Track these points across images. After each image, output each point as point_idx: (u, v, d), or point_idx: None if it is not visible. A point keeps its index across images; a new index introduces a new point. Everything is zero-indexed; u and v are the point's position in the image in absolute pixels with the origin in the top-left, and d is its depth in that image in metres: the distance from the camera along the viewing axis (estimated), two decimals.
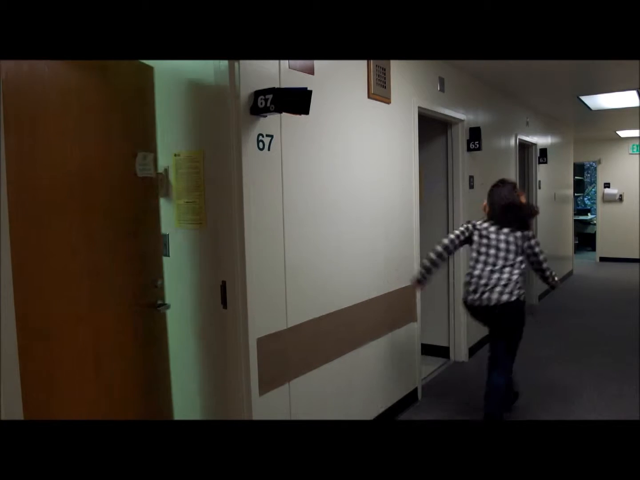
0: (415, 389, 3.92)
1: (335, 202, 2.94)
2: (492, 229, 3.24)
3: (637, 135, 10.03)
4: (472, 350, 4.98)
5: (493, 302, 3.14)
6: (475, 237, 3.29)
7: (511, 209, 3.20)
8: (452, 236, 3.37)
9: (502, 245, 3.18)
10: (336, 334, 2.97)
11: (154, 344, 2.28)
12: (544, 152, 7.18)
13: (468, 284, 3.27)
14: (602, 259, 10.96)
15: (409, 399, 3.82)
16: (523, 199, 3.33)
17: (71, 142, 1.88)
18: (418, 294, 3.88)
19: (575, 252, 10.07)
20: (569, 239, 9.37)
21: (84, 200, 1.93)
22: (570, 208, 9.44)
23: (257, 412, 2.40)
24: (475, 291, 3.20)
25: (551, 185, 7.96)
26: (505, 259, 3.17)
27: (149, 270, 2.28)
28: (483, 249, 3.23)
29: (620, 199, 10.79)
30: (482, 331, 5.23)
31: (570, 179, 9.46)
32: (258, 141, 2.39)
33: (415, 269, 3.83)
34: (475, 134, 4.76)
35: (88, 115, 1.95)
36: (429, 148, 4.80)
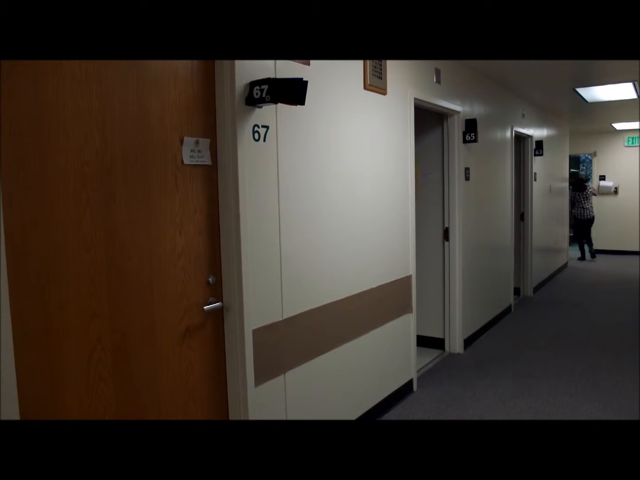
0: (411, 380, 3.94)
1: (330, 193, 2.94)
2: (579, 192, 10.06)
3: (633, 127, 10.05)
4: (467, 342, 5.00)
5: (588, 217, 10.03)
6: (576, 197, 10.11)
7: (579, 185, 10.11)
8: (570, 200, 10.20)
9: (585, 196, 10.02)
10: (332, 325, 2.98)
11: (199, 344, 2.27)
12: (539, 144, 7.19)
13: (578, 212, 10.06)
14: (597, 252, 11.00)
15: (405, 390, 3.84)
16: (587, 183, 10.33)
17: (90, 125, 1.86)
18: (413, 285, 3.89)
19: (570, 245, 10.11)
20: (564, 231, 9.41)
21: (104, 190, 1.90)
22: (565, 200, 9.47)
23: (253, 403, 2.40)
24: (582, 214, 9.99)
25: (547, 177, 7.98)
26: (587, 201, 10.04)
27: (199, 266, 2.28)
28: (581, 200, 10.02)
29: (616, 191, 10.82)
30: (477, 323, 5.26)
31: (565, 172, 9.48)
32: (254, 132, 2.39)
33: (411, 260, 3.86)
34: (471, 126, 4.76)
35: (112, 95, 1.93)
36: (424, 140, 4.79)
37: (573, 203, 10.14)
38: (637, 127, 10.11)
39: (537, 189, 7.42)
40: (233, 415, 2.42)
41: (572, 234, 10.49)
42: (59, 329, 1.77)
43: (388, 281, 3.56)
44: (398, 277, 3.70)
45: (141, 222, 2.04)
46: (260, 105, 2.36)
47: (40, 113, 1.71)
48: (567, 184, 9.61)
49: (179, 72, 2.16)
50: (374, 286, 3.39)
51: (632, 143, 10.61)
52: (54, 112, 1.74)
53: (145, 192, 2.05)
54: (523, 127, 6.65)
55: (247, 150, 2.35)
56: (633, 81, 5.69)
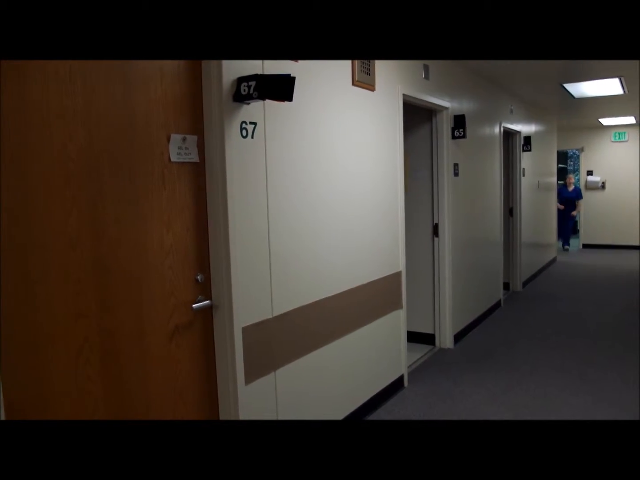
0: (402, 376, 3.95)
1: (319, 190, 2.93)
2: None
3: (619, 123, 10.13)
4: (457, 337, 5.02)
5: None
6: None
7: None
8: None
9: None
10: (322, 322, 2.97)
11: (188, 343, 2.26)
12: (528, 140, 7.22)
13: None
14: (585, 246, 11.10)
15: (395, 386, 3.85)
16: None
17: (74, 122, 1.83)
18: (403, 281, 3.90)
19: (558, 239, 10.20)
20: (553, 226, 9.47)
21: (90, 188, 1.88)
22: (553, 195, 9.52)
23: (243, 401, 2.39)
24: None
25: (535, 173, 8.02)
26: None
27: (187, 264, 2.26)
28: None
29: (603, 186, 10.91)
30: (466, 318, 5.29)
31: (553, 167, 9.54)
32: (241, 129, 2.37)
33: (401, 256, 3.86)
34: (459, 122, 4.76)
35: (97, 93, 1.90)
36: (413, 136, 4.80)
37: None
38: (624, 123, 10.19)
39: (526, 184, 7.46)
40: (223, 414, 2.41)
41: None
42: (45, 329, 1.75)
43: (378, 277, 3.56)
44: (388, 273, 3.70)
45: (128, 219, 2.02)
46: (248, 101, 2.35)
47: (23, 111, 1.68)
48: (555, 179, 9.67)
49: (165, 68, 2.14)
50: (364, 282, 3.39)
51: (619, 138, 10.70)
52: (38, 109, 1.72)
53: (132, 189, 2.03)
54: (511, 123, 6.68)
55: (235, 147, 2.33)
56: (619, 77, 5.73)
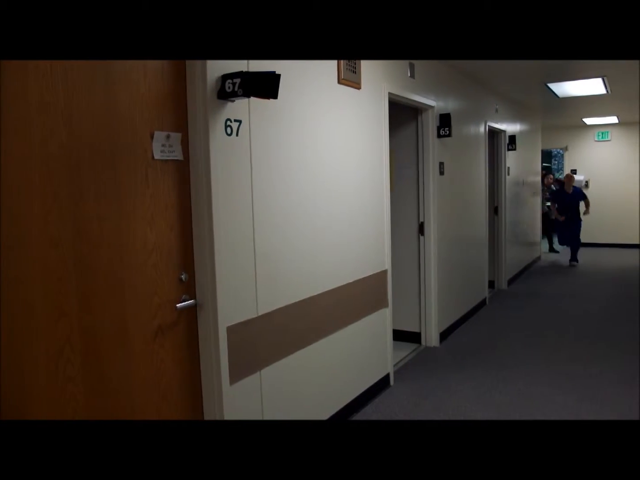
0: (387, 375, 3.95)
1: (304, 188, 2.92)
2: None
3: (602, 122, 10.25)
4: (443, 336, 5.04)
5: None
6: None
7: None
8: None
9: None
10: (307, 321, 2.96)
11: (172, 343, 2.23)
12: (512, 139, 7.27)
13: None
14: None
15: (381, 385, 3.85)
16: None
17: (55, 119, 1.79)
18: (389, 280, 3.90)
19: (542, 238, 10.28)
20: (537, 225, 9.55)
21: (71, 185, 1.85)
22: (538, 194, 9.60)
23: (228, 401, 2.38)
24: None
25: (520, 171, 8.08)
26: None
27: (171, 263, 2.23)
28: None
29: (587, 185, 11.02)
30: (452, 317, 5.31)
31: (538, 166, 9.62)
32: (226, 126, 2.35)
33: (386, 255, 3.86)
34: (445, 121, 4.78)
35: (79, 89, 1.87)
36: (399, 134, 4.80)
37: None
38: (607, 122, 10.31)
39: (511, 183, 7.51)
40: (208, 414, 2.39)
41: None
42: (25, 329, 1.72)
43: (364, 276, 3.56)
44: (374, 272, 3.70)
45: (111, 218, 1.99)
46: (233, 99, 2.33)
47: (1, 105, 1.65)
48: (539, 178, 9.75)
49: (148, 65, 2.11)
50: (350, 281, 3.39)
51: (602, 138, 10.82)
52: (17, 104, 1.68)
53: (115, 187, 2.00)
54: (496, 122, 6.72)
55: (219, 145, 2.31)
56: (602, 77, 5.79)
